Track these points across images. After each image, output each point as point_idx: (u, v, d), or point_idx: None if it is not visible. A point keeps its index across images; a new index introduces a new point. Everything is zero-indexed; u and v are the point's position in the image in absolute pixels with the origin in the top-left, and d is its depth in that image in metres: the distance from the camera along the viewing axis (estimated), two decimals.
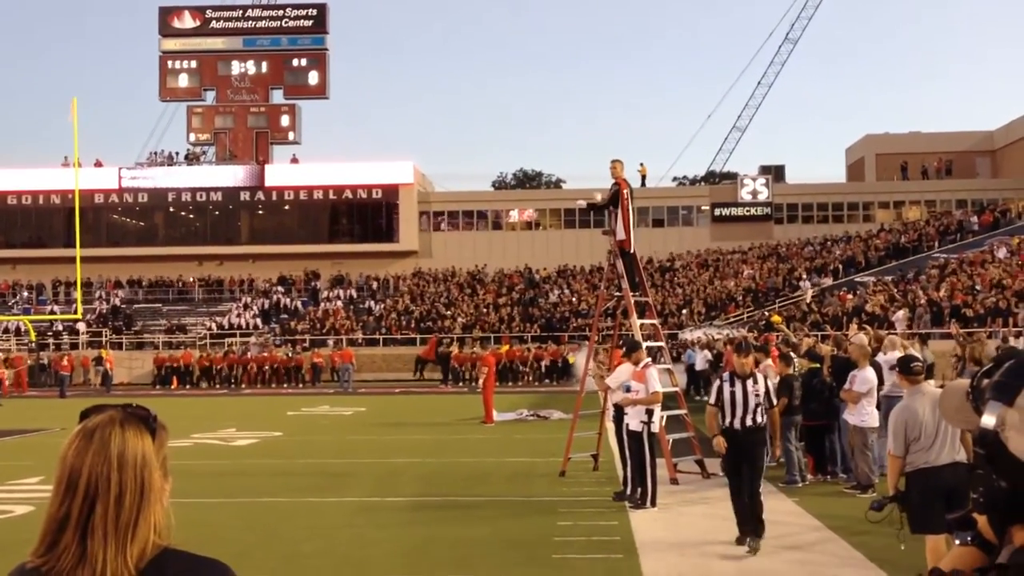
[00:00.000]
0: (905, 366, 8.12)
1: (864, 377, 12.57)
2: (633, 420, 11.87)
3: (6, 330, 49.40)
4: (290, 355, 43.56)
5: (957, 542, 2.12)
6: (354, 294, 53.40)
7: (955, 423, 2.23)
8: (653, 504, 11.56)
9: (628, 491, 11.96)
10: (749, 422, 9.56)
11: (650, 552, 9.35)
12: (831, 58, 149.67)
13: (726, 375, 9.89)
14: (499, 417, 23.47)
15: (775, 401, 9.94)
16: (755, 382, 9.66)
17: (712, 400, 9.82)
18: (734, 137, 64.26)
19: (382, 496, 12.95)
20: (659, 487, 11.92)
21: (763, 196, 56.33)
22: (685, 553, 9.44)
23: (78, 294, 41.45)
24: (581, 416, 15.43)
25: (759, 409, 9.62)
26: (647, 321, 15.72)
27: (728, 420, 9.59)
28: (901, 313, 35.67)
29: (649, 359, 12.54)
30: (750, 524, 9.44)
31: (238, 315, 50.69)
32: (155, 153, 58.02)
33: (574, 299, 49.62)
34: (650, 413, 11.83)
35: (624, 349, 13.01)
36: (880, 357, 13.95)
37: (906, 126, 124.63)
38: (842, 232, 53.33)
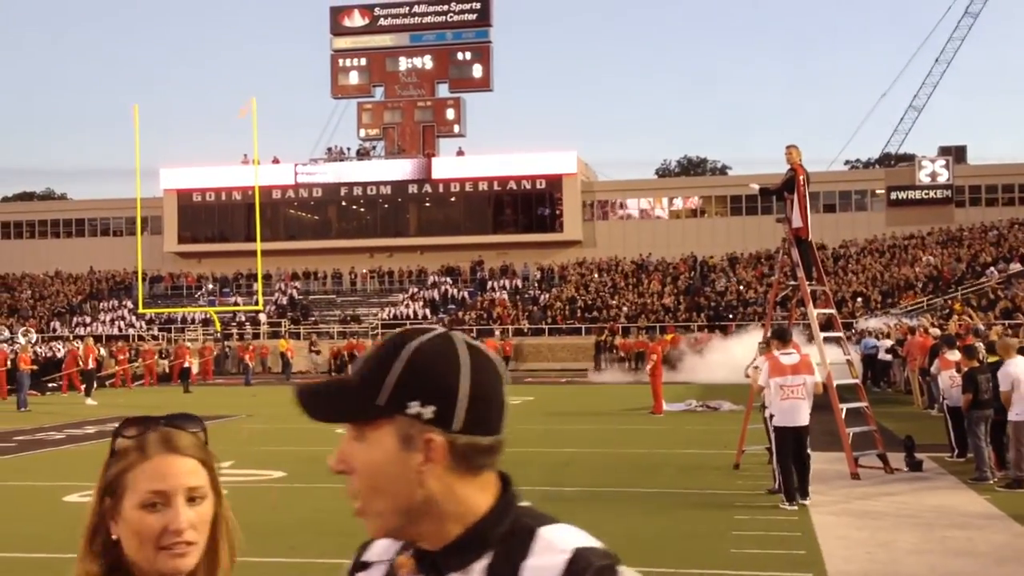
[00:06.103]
0: None
1: (1004, 373, 12.29)
2: (804, 413, 11.40)
3: (194, 320, 52.30)
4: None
5: None
6: (520, 284, 53.95)
7: None
8: (803, 496, 11.12)
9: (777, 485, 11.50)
10: None
11: (834, 548, 9.10)
12: (1016, 30, 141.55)
13: None
14: (668, 407, 23.30)
15: None
16: None
17: None
18: (910, 117, 61.80)
19: (555, 485, 13.00)
20: (840, 482, 11.61)
21: (943, 178, 53.84)
22: (870, 550, 9.14)
23: (259, 286, 43.45)
24: (754, 408, 15.10)
25: None
26: (823, 311, 15.26)
27: None
28: None
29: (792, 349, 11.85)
30: None
31: (407, 305, 52.04)
32: (330, 149, 60.22)
33: (741, 287, 48.67)
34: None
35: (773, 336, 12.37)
36: None
37: None
38: None
